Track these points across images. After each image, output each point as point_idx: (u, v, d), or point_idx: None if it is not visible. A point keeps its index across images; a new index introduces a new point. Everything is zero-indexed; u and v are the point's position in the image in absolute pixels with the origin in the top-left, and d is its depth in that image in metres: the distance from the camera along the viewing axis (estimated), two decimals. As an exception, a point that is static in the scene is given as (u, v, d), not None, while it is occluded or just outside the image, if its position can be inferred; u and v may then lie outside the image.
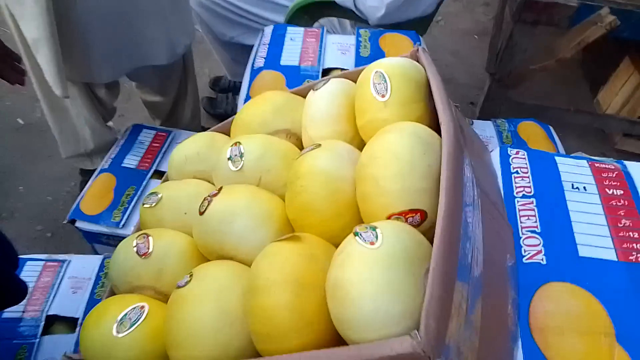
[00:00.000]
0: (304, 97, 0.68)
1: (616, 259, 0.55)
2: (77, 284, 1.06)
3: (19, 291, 0.61)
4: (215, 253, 0.54)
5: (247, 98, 1.04)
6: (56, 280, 1.04)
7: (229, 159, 0.58)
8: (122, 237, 1.20)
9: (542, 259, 0.55)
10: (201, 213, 0.53)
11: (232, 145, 0.59)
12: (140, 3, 1.09)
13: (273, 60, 1.13)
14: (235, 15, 1.49)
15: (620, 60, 1.95)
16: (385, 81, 0.53)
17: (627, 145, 1.89)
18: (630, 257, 0.55)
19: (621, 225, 0.58)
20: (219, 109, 1.87)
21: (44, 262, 1.09)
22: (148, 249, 0.55)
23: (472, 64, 2.24)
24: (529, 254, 0.56)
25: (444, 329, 0.36)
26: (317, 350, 0.38)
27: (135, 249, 0.55)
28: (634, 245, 0.56)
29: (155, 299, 0.54)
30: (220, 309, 0.45)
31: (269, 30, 1.24)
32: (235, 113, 1.90)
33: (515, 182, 0.63)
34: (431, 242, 0.41)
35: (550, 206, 0.60)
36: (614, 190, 0.61)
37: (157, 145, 1.43)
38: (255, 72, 1.10)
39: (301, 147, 0.63)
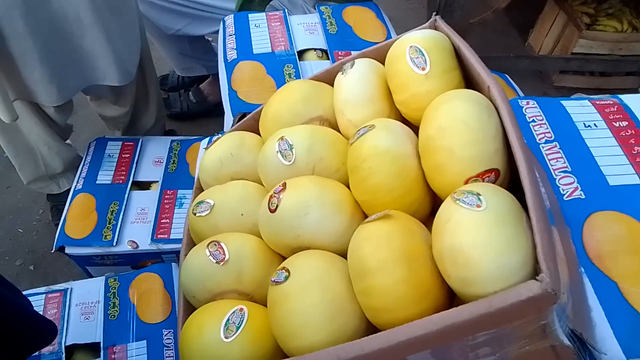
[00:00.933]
0: (325, 82, 0.69)
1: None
2: (87, 310, 1.04)
3: (49, 331, 0.60)
4: (290, 246, 0.55)
5: (231, 92, 1.03)
6: (64, 311, 1.01)
7: (278, 153, 0.59)
8: (116, 255, 1.18)
9: (581, 194, 0.61)
10: (272, 211, 0.54)
11: (278, 140, 0.59)
12: (78, 20, 1.03)
13: (245, 50, 1.12)
14: (180, 7, 1.44)
15: (544, 4, 2.08)
16: (423, 54, 0.56)
17: (564, 81, 2.04)
18: (652, 179, 0.62)
19: (635, 152, 0.65)
20: (174, 108, 1.82)
21: (44, 294, 1.05)
22: (224, 255, 0.55)
23: (409, 27, 2.31)
24: (567, 192, 0.62)
25: (557, 269, 0.41)
26: (446, 311, 0.41)
27: (210, 257, 0.55)
28: (652, 167, 0.63)
29: (240, 300, 0.55)
30: (328, 296, 0.47)
31: (229, 20, 1.22)
32: (191, 110, 1.87)
33: (535, 130, 0.68)
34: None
35: (572, 146, 0.66)
36: (620, 123, 0.68)
37: (127, 156, 1.39)
38: (231, 65, 1.09)
39: (337, 131, 0.64)
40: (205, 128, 1.84)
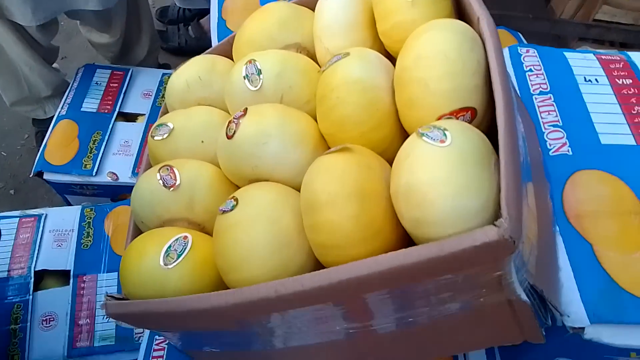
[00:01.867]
0: (308, 7, 0.64)
1: (635, 143, 0.57)
2: (60, 237, 1.02)
3: None
4: (247, 177, 0.52)
5: (220, 21, 0.97)
6: (37, 236, 1.00)
7: (245, 78, 0.54)
8: (95, 185, 1.15)
9: (568, 150, 0.56)
10: (229, 137, 0.50)
11: (246, 64, 0.55)
12: None
13: (242, -21, 1.05)
14: None
15: (572, -36, 1.96)
16: (411, -22, 0.50)
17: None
18: (648, 140, 0.57)
19: (634, 112, 0.60)
20: (171, 42, 1.75)
21: (18, 218, 1.03)
22: (175, 180, 0.52)
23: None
24: (554, 147, 0.57)
25: (521, 216, 0.37)
26: (392, 253, 0.37)
27: (160, 182, 0.52)
28: (650, 129, 0.58)
29: (190, 229, 0.52)
30: (275, 229, 0.44)
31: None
32: (188, 45, 1.78)
33: (531, 80, 0.63)
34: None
35: (568, 100, 0.61)
36: (623, 80, 0.63)
37: (116, 85, 1.34)
38: (223, -9, 1.02)
39: (315, 62, 0.59)
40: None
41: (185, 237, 0.48)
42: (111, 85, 1.34)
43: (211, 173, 0.54)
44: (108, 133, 1.21)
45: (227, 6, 0.99)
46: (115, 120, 1.24)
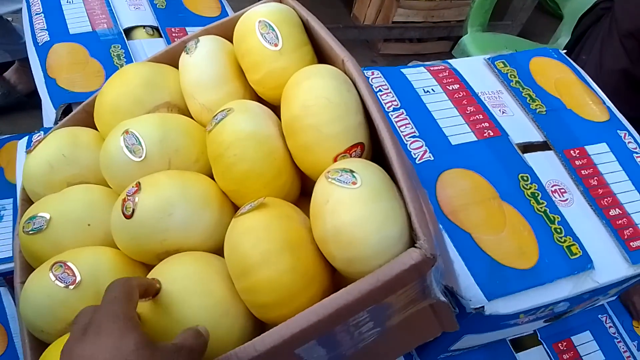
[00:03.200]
0: (167, 63, 0.62)
1: (476, 139, 0.68)
2: None
3: None
4: (154, 252, 0.49)
5: (48, 80, 0.88)
6: None
7: (124, 149, 0.51)
8: None
9: (430, 156, 0.65)
10: (128, 216, 0.47)
11: (123, 134, 0.52)
12: None
13: (59, 31, 0.97)
14: None
15: (364, -25, 2.20)
16: (273, 29, 0.53)
17: (388, 49, 2.21)
18: (484, 134, 0.69)
19: (468, 112, 0.72)
20: None
21: None
22: (74, 276, 0.47)
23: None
24: (418, 155, 0.66)
25: (431, 233, 0.43)
26: (335, 294, 0.40)
27: (57, 282, 0.46)
28: (483, 124, 0.70)
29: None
30: (210, 302, 0.43)
31: (33, -6, 1.03)
32: (9, 99, 1.58)
33: (383, 99, 0.71)
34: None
35: (416, 112, 0.70)
36: (452, 86, 0.75)
37: None
38: (43, 49, 0.93)
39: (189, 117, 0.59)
40: (17, 124, 1.58)
41: (107, 335, 0.44)
42: None
43: (111, 258, 0.50)
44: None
45: (52, 63, 0.90)
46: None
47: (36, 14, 1.00)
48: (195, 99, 0.57)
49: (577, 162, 0.69)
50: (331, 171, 0.43)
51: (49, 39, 0.95)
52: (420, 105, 0.71)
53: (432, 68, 0.78)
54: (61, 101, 0.84)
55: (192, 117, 0.59)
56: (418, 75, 0.76)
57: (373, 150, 0.52)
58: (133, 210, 0.47)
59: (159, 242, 0.48)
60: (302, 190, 0.55)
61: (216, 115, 0.51)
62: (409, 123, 0.69)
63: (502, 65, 0.80)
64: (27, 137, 0.84)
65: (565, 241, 0.60)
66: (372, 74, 0.75)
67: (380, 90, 0.72)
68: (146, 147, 0.52)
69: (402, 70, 0.76)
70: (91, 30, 0.98)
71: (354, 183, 0.42)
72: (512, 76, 0.78)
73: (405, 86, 0.73)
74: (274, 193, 0.50)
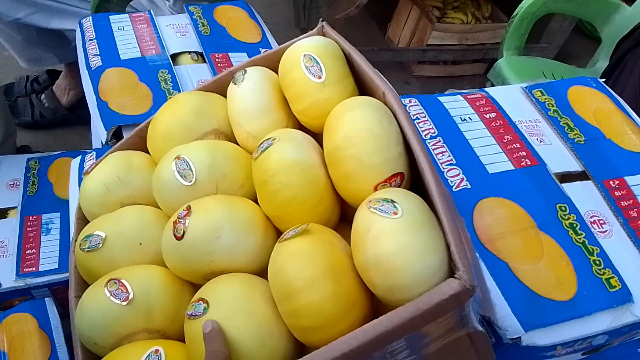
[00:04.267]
0: (215, 92, 0.66)
1: (514, 168, 0.69)
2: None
3: None
4: (201, 273, 0.52)
5: (101, 103, 0.94)
6: None
7: (176, 174, 0.55)
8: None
9: (467, 184, 0.66)
10: (179, 238, 0.50)
11: (174, 160, 0.55)
12: None
13: (111, 57, 1.03)
14: None
15: (397, -1, 2.23)
16: (318, 63, 0.56)
17: (422, 71, 2.22)
18: (522, 163, 0.70)
19: (505, 140, 0.72)
20: (24, 116, 1.60)
21: None
22: (127, 292, 0.50)
23: (274, 21, 2.31)
24: (455, 183, 0.67)
25: (470, 264, 0.44)
26: (375, 320, 0.42)
27: (111, 298, 0.50)
28: (520, 153, 0.71)
29: (152, 339, 0.50)
30: (256, 322, 0.45)
31: (87, 23, 1.11)
32: (44, 119, 1.66)
33: (420, 127, 0.73)
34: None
35: (454, 140, 0.72)
36: (489, 114, 0.76)
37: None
38: (95, 73, 0.99)
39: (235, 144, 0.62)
40: (64, 140, 1.65)
41: (157, 350, 0.47)
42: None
43: (161, 276, 0.53)
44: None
45: (104, 87, 0.95)
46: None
47: (89, 40, 1.06)
48: (242, 126, 0.60)
49: (616, 193, 0.69)
50: (372, 200, 0.45)
51: (101, 64, 1.01)
52: (457, 133, 0.73)
53: (469, 96, 0.79)
54: (112, 123, 0.89)
55: (238, 144, 0.62)
56: (455, 104, 0.77)
57: (412, 179, 0.53)
58: (184, 232, 0.50)
59: (207, 263, 0.51)
60: (341, 216, 0.57)
61: (262, 143, 0.54)
62: (446, 151, 0.70)
63: (540, 94, 0.81)
64: (80, 157, 0.89)
65: (604, 273, 0.60)
66: (410, 101, 0.77)
67: (417, 118, 0.74)
68: (196, 172, 0.55)
69: (439, 98, 0.78)
70: (140, 56, 1.04)
71: (395, 213, 0.43)
72: (550, 105, 0.79)
73: (443, 114, 0.75)
74: (315, 219, 0.52)
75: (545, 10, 1.30)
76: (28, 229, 1.12)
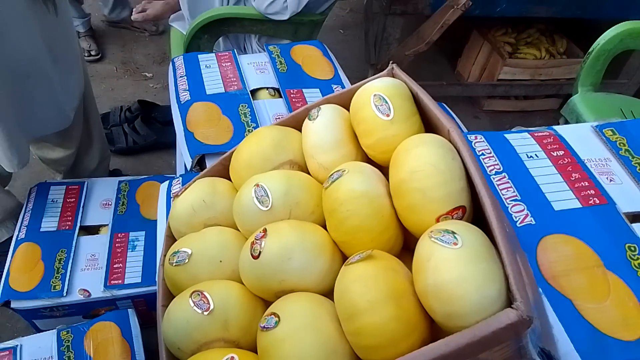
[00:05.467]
0: (292, 126, 0.72)
1: (581, 206, 0.69)
2: (41, 366, 0.99)
3: None
4: (273, 291, 0.57)
5: (188, 133, 1.03)
6: (14, 369, 0.96)
7: (256, 200, 0.61)
8: (67, 305, 1.13)
9: (532, 220, 0.67)
10: (255, 257, 0.56)
11: (254, 187, 0.61)
12: (26, 71, 0.99)
13: (198, 92, 1.14)
14: None
15: (469, 34, 2.25)
16: (387, 102, 0.60)
17: (492, 105, 2.21)
18: (590, 202, 0.70)
19: (573, 179, 0.73)
20: (119, 144, 1.78)
21: (-9, 354, 0.99)
22: (208, 304, 0.56)
23: (345, 57, 2.41)
24: (519, 219, 0.68)
25: (529, 297, 0.46)
26: (434, 344, 0.44)
27: (195, 308, 0.56)
28: (588, 191, 0.71)
29: (227, 347, 0.56)
30: (322, 338, 0.49)
31: (179, 61, 1.23)
32: (137, 144, 1.82)
33: (485, 163, 0.75)
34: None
35: (519, 176, 0.73)
36: (557, 152, 0.77)
37: (73, 200, 1.34)
38: (184, 107, 1.09)
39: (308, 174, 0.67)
40: (149, 165, 1.80)
41: (232, 357, 0.52)
42: (68, 200, 1.33)
43: (238, 291, 0.59)
44: (73, 250, 1.21)
45: (191, 119, 1.06)
46: (78, 236, 1.24)
47: (180, 77, 1.18)
48: (315, 158, 0.65)
49: (691, 236, 0.67)
50: (434, 231, 0.48)
51: (189, 98, 1.12)
52: (523, 169, 0.74)
53: (536, 134, 0.80)
54: (196, 152, 0.99)
55: (310, 174, 0.67)
56: (522, 141, 0.78)
57: (475, 213, 0.56)
58: (260, 252, 0.56)
59: (278, 281, 0.56)
60: (404, 245, 0.60)
61: (332, 174, 0.59)
62: (511, 187, 0.72)
63: (611, 133, 0.80)
64: (168, 181, 0.99)
65: (675, 317, 0.58)
66: (476, 138, 0.79)
67: (483, 154, 0.76)
68: (272, 199, 0.61)
69: (505, 135, 0.80)
70: (224, 91, 1.14)
71: (455, 244, 0.46)
72: (622, 144, 0.78)
73: (508, 151, 0.77)
74: (379, 246, 0.56)
75: (623, 47, 1.27)
76: (117, 245, 1.23)
